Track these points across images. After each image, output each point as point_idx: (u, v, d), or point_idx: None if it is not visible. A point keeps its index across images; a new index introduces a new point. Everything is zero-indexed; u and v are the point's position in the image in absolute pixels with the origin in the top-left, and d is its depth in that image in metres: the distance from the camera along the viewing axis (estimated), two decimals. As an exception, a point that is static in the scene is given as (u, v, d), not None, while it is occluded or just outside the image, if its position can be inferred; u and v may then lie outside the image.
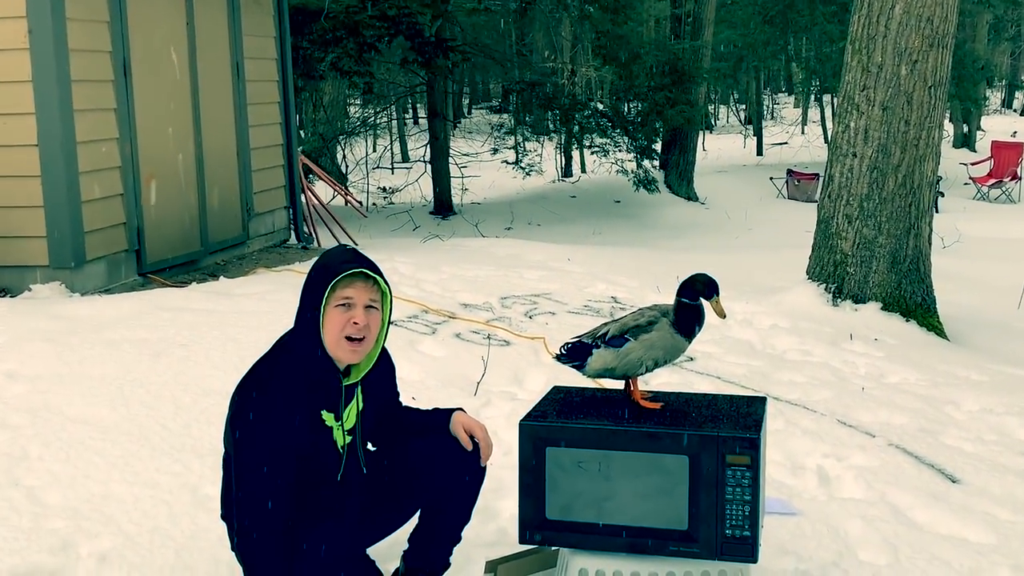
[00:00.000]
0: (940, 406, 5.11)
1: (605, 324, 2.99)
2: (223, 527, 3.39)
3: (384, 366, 2.85)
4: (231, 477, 2.59)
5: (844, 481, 4.05)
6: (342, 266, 2.63)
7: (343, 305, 2.62)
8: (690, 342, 2.94)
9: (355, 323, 2.65)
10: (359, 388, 2.77)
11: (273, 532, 2.51)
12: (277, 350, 2.69)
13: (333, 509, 2.68)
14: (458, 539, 2.98)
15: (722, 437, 2.71)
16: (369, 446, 2.92)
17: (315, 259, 2.70)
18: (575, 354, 2.96)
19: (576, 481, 2.81)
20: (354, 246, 2.99)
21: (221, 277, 7.46)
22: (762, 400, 3.04)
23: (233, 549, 2.60)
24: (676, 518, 2.75)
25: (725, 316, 2.99)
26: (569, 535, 2.83)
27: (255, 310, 5.87)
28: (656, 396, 3.01)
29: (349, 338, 2.65)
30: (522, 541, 2.87)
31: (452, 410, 2.96)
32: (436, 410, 3.01)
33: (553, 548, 3.00)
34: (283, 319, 5.75)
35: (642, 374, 2.92)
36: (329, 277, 2.62)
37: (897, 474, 4.14)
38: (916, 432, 4.67)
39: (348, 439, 2.76)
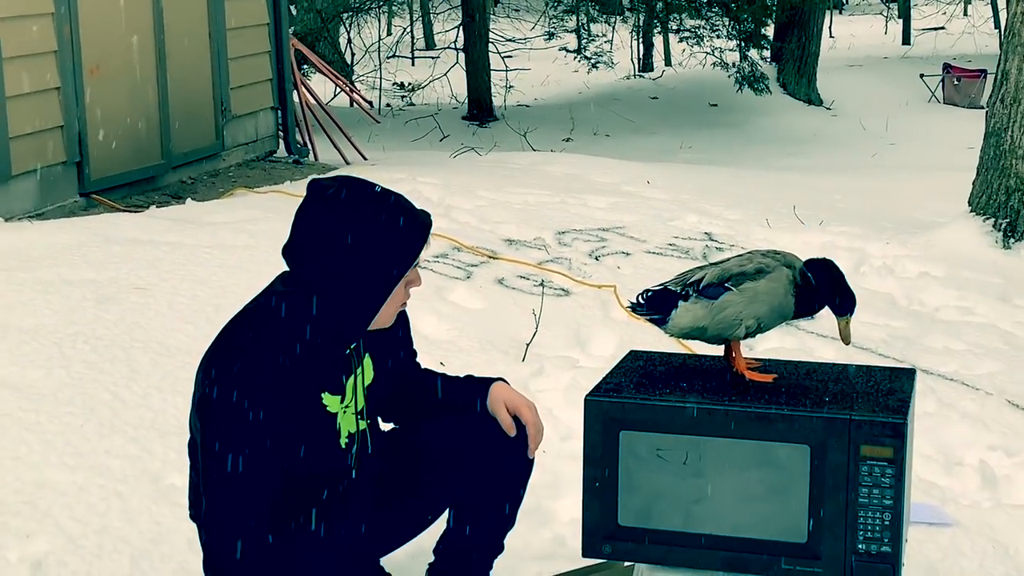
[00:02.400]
0: None
1: (701, 268, 2.97)
2: (192, 528, 3.45)
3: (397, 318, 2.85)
4: (198, 472, 2.62)
5: (1016, 482, 4.03)
6: (421, 229, 2.61)
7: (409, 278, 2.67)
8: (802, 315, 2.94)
9: (414, 286, 2.70)
10: (366, 354, 2.76)
11: (255, 552, 2.53)
12: (263, 311, 2.64)
13: (338, 515, 2.69)
14: (500, 548, 3.00)
15: (856, 421, 2.70)
16: (381, 425, 2.93)
17: (340, 203, 2.58)
18: (657, 304, 2.93)
19: (658, 477, 2.81)
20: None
21: (188, 200, 7.51)
22: (910, 373, 3.02)
23: (204, 568, 2.63)
24: (792, 527, 2.75)
25: (849, 342, 2.99)
26: (648, 547, 2.84)
27: (233, 244, 5.91)
28: (767, 367, 3.00)
29: (402, 305, 2.72)
30: (586, 554, 2.88)
31: (491, 380, 2.95)
32: (470, 378, 3.01)
33: (627, 564, 3.01)
34: (271, 257, 5.78)
35: (742, 337, 2.89)
36: (412, 250, 2.60)
37: (1088, 475, 4.11)
38: (1114, 419, 4.63)
39: (363, 424, 2.76)
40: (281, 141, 9.96)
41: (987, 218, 7.14)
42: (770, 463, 2.75)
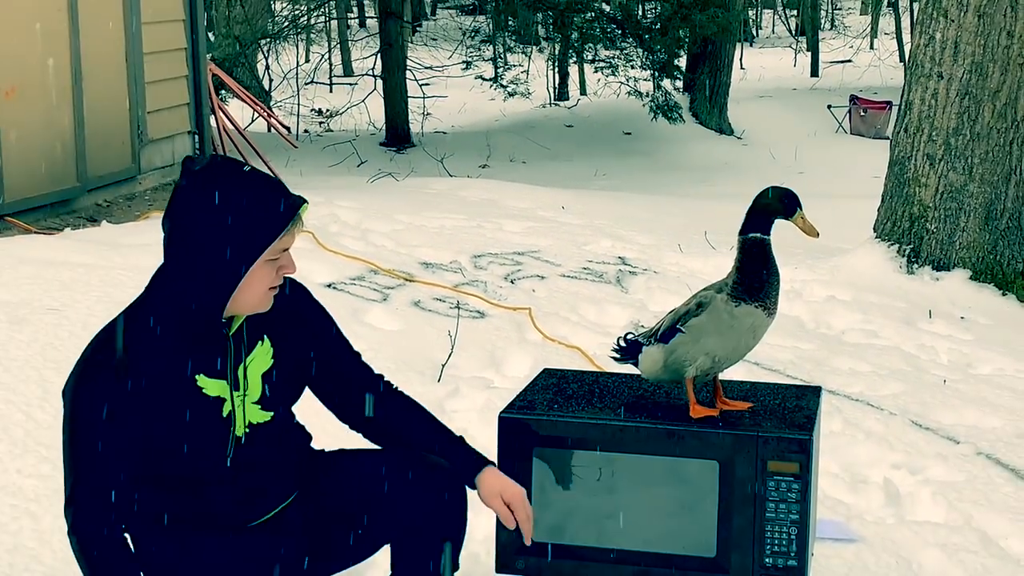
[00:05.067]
0: (1045, 405, 5.17)
1: (664, 317, 3.01)
2: (106, 547, 3.40)
3: (298, 306, 2.72)
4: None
5: (919, 499, 4.09)
6: (286, 209, 2.51)
7: (274, 259, 2.55)
8: (768, 309, 2.85)
9: (286, 272, 2.60)
10: (261, 341, 2.65)
11: (111, 539, 2.49)
12: (134, 301, 2.60)
13: (225, 514, 2.61)
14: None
15: (763, 437, 2.74)
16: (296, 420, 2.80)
17: (205, 178, 2.50)
18: (630, 351, 2.99)
19: (571, 493, 2.83)
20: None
21: (103, 222, 7.42)
22: (815, 391, 3.07)
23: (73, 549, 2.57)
24: (701, 542, 2.78)
25: (817, 234, 2.94)
26: (561, 563, 2.85)
27: (149, 265, 5.77)
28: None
29: (271, 288, 2.59)
30: (500, 570, 2.89)
31: (481, 461, 2.73)
32: (458, 445, 2.77)
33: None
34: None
35: (695, 376, 2.88)
36: (273, 228, 2.50)
37: (988, 491, 4.19)
38: (1013, 438, 4.72)
39: (266, 417, 2.63)
40: (198, 165, 9.87)
41: (892, 244, 7.25)
42: (680, 479, 2.79)
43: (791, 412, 2.89)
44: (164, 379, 2.52)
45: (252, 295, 2.54)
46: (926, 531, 3.83)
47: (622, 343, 3.02)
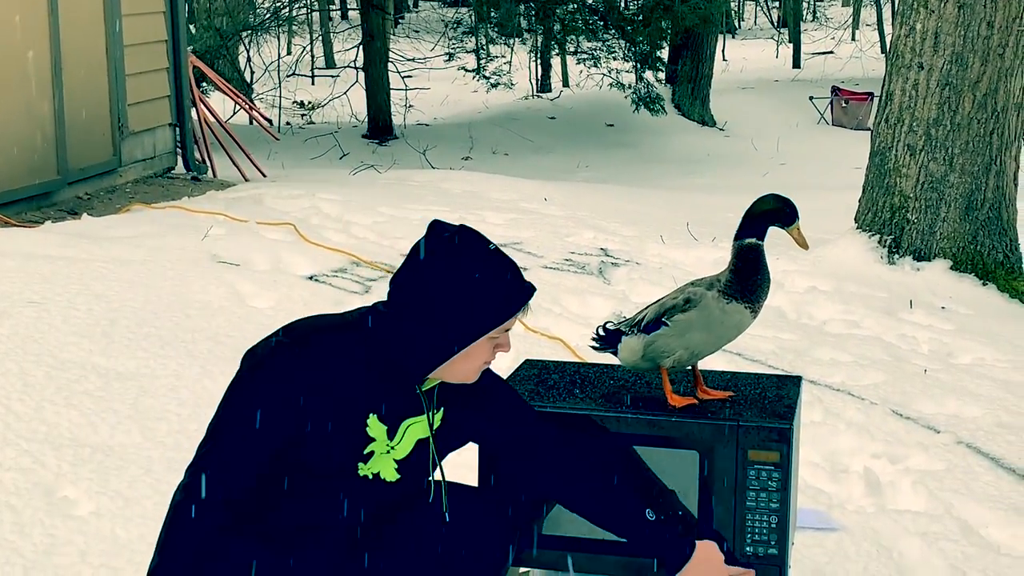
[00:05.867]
0: (1024, 394, 5.20)
1: (645, 308, 3.01)
2: (86, 539, 3.40)
3: (485, 381, 2.69)
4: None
5: (900, 489, 4.11)
6: (520, 294, 2.55)
7: (494, 337, 2.57)
8: (755, 310, 2.89)
9: (501, 351, 2.61)
10: (442, 409, 2.65)
11: (206, 526, 2.44)
12: (344, 317, 2.59)
13: (324, 551, 2.59)
14: None
15: (743, 427, 2.74)
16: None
17: (455, 246, 2.53)
18: (609, 340, 2.99)
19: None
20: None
21: (84, 215, 7.40)
22: (796, 381, 3.08)
23: (170, 503, 2.54)
24: (682, 531, 2.78)
25: (808, 247, 2.98)
26: (543, 552, 2.86)
27: (129, 259, 5.83)
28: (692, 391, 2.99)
29: (485, 363, 2.61)
30: (481, 560, 2.89)
31: (693, 538, 2.66)
32: (672, 518, 2.74)
33: (522, 570, 3.03)
34: (167, 271, 5.76)
35: (673, 367, 2.90)
36: (506, 311, 2.54)
37: (968, 480, 4.21)
38: (993, 427, 4.74)
39: (395, 476, 2.61)
40: (179, 158, 9.86)
41: (872, 234, 7.28)
42: (661, 469, 2.79)
43: (771, 401, 2.89)
44: (341, 401, 2.52)
45: (466, 367, 2.58)
46: (906, 520, 3.85)
47: (601, 331, 3.02)
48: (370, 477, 2.58)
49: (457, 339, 2.53)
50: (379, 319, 2.57)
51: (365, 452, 2.56)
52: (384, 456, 2.59)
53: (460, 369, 2.57)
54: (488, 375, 2.69)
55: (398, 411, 2.58)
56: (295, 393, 2.47)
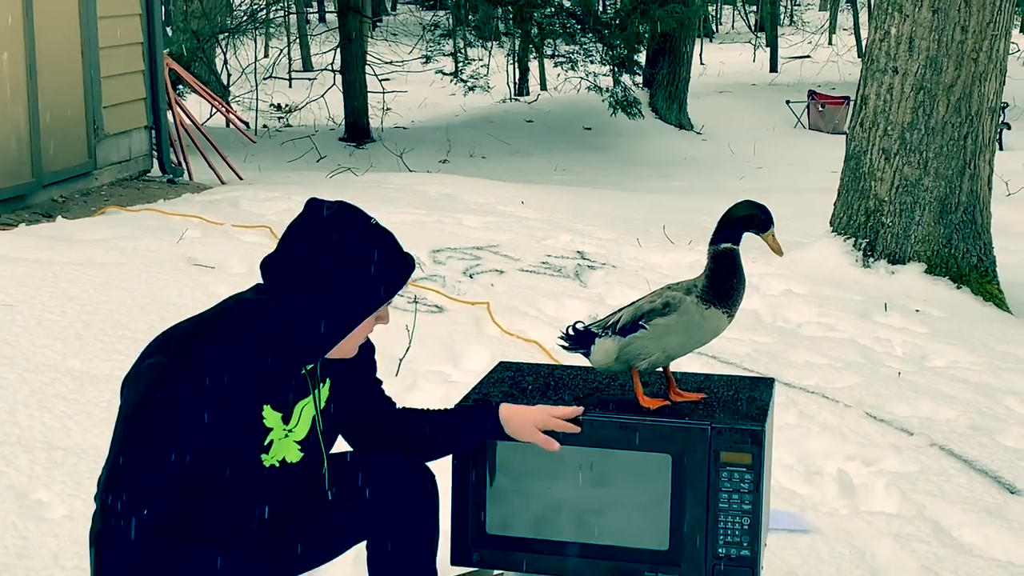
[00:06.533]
0: (999, 397, 5.22)
1: (619, 310, 3.02)
2: (58, 542, 3.39)
3: (362, 350, 2.74)
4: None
5: (873, 491, 4.13)
6: (406, 266, 2.60)
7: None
8: (731, 314, 2.91)
9: (382, 323, 2.65)
10: (325, 381, 2.69)
11: (140, 541, 2.46)
12: (229, 312, 2.57)
13: (240, 536, 2.62)
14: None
15: (716, 429, 2.75)
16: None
17: (336, 225, 2.55)
18: (580, 340, 2.99)
19: (525, 486, 2.83)
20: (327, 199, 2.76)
21: (59, 217, 7.38)
22: (768, 383, 3.09)
23: (91, 535, 2.54)
24: (653, 534, 2.79)
25: (782, 254, 3.01)
26: (514, 555, 2.86)
27: (104, 261, 5.82)
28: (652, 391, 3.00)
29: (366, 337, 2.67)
30: (455, 562, 2.90)
31: (489, 407, 2.83)
32: (463, 410, 2.86)
33: (496, 573, 3.03)
34: (142, 274, 5.75)
35: (646, 369, 2.92)
36: (396, 283, 2.58)
37: (941, 482, 4.23)
38: (966, 430, 4.77)
39: (299, 455, 2.66)
40: (155, 160, 9.83)
41: (848, 238, 7.31)
42: (633, 472, 2.80)
43: (744, 403, 2.90)
44: (235, 401, 2.52)
45: (350, 344, 2.61)
46: (880, 521, 3.87)
47: (571, 331, 3.02)
48: (276, 465, 2.62)
49: (349, 321, 2.56)
50: (259, 308, 2.56)
51: (266, 443, 2.59)
52: (284, 441, 2.62)
53: (344, 347, 2.61)
54: (367, 346, 2.75)
55: (289, 395, 2.61)
56: (189, 409, 2.46)
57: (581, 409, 2.81)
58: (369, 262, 2.54)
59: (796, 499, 4.02)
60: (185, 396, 2.46)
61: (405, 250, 2.62)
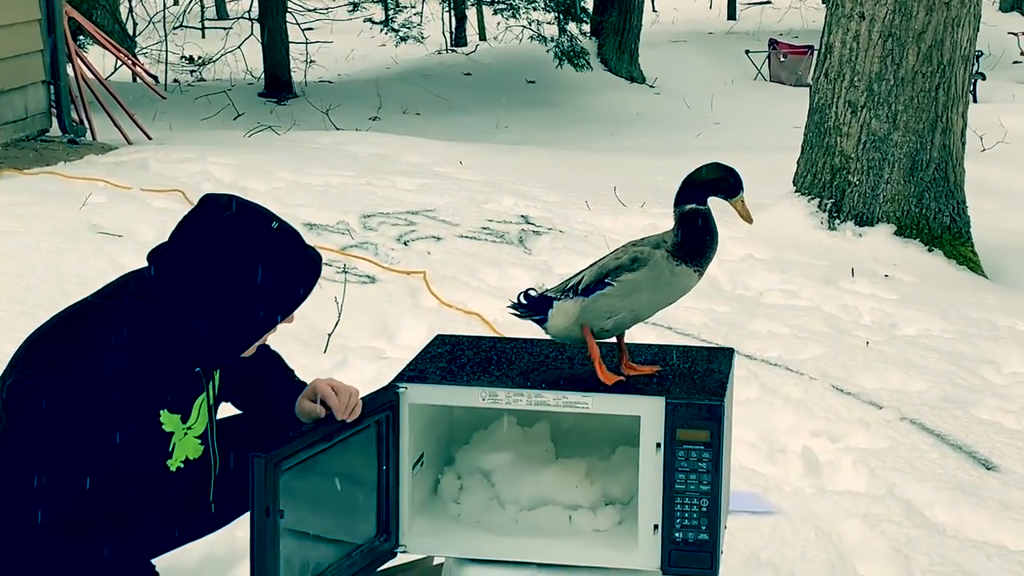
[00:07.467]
0: (973, 367, 5.29)
1: (579, 273, 3.01)
2: None
3: None
4: None
5: (840, 468, 4.18)
6: (313, 269, 2.64)
7: None
8: (700, 272, 2.95)
9: (287, 323, 2.69)
10: (216, 373, 2.76)
11: (36, 553, 2.48)
12: (118, 313, 2.55)
13: (147, 539, 2.70)
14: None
15: (671, 404, 2.77)
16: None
17: (238, 230, 2.56)
18: (535, 306, 2.98)
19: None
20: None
21: (-51, 183, 7.29)
22: (728, 354, 3.11)
23: None
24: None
25: (752, 221, 3.03)
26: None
27: (1, 229, 5.76)
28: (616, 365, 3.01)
29: None
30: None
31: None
32: (292, 381, 2.94)
33: (437, 560, 3.05)
34: (41, 243, 5.70)
35: (610, 331, 2.92)
36: (306, 288, 2.62)
37: (912, 459, 4.29)
38: (939, 402, 4.83)
39: (198, 451, 2.72)
40: (55, 119, 9.72)
41: (812, 198, 7.37)
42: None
43: (701, 376, 2.92)
44: (130, 409, 2.53)
45: (252, 348, 2.67)
46: (847, 501, 3.92)
47: (523, 299, 3.01)
48: (181, 466, 2.69)
49: (258, 331, 2.61)
50: (156, 314, 2.54)
51: (169, 448, 2.65)
52: (185, 439, 2.69)
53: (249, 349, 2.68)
54: None
55: (185, 395, 2.66)
56: (78, 426, 2.46)
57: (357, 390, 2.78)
58: (275, 273, 2.55)
59: (758, 479, 4.06)
60: (67, 411, 2.45)
61: (312, 250, 2.63)
